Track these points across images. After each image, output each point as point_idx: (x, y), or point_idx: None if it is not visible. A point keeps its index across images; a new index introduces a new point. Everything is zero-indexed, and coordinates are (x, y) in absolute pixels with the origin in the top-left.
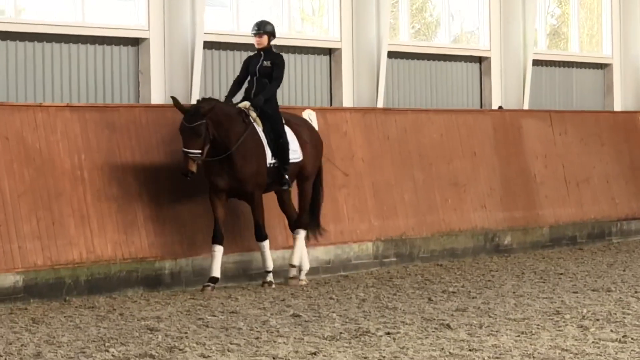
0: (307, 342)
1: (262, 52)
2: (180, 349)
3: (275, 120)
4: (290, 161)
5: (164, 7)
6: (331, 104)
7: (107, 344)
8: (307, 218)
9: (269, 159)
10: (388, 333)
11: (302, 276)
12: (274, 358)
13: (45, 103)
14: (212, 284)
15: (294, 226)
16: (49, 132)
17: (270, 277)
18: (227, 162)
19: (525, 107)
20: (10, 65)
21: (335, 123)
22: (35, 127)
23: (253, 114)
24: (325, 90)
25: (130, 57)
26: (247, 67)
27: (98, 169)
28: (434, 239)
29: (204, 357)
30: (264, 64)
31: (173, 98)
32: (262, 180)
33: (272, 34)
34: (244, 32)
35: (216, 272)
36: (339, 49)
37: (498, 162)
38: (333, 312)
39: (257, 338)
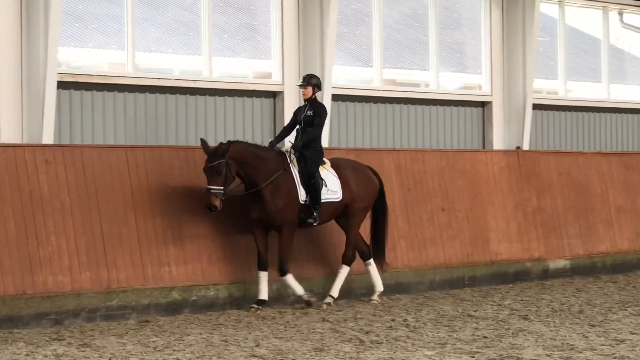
0: None
1: (307, 103)
2: None
3: (311, 163)
4: (328, 200)
5: (503, 74)
6: None
7: (625, 305)
8: (351, 254)
9: (302, 197)
10: None
11: (375, 297)
12: None
13: (584, 150)
14: (257, 306)
15: (342, 260)
16: (587, 169)
17: (307, 297)
18: (259, 197)
19: None
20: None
21: None
22: (578, 165)
23: (292, 156)
24: None
25: None
26: (296, 116)
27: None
28: None
29: None
30: (307, 114)
31: (202, 140)
32: (290, 216)
33: (316, 86)
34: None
35: (264, 295)
36: None
37: None
38: None
39: None
